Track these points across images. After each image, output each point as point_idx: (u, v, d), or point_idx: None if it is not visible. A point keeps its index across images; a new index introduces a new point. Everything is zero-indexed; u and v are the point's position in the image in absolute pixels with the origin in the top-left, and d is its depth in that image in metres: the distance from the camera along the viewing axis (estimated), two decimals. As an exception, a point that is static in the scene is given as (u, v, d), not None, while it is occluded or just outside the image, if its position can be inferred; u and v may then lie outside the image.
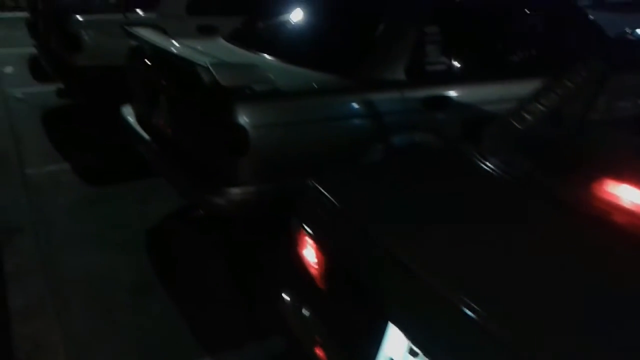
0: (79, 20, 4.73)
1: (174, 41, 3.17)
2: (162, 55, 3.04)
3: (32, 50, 7.76)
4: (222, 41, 3.62)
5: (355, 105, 2.80)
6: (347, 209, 1.74)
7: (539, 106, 1.84)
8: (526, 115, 1.84)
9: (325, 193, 1.80)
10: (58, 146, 4.76)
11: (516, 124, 1.84)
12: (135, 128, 3.42)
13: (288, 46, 3.26)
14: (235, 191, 2.62)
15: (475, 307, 1.21)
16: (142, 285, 2.92)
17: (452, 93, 3.01)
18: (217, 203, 2.66)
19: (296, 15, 3.55)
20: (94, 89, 4.85)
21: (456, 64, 3.12)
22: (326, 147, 2.75)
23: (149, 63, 3.28)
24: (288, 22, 3.56)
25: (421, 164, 2.05)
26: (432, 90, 2.96)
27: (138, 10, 5.00)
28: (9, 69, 7.37)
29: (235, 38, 3.58)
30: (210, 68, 2.44)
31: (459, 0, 3.34)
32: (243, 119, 2.51)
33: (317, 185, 1.83)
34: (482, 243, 1.46)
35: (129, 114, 3.59)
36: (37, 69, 6.59)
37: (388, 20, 2.98)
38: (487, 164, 1.80)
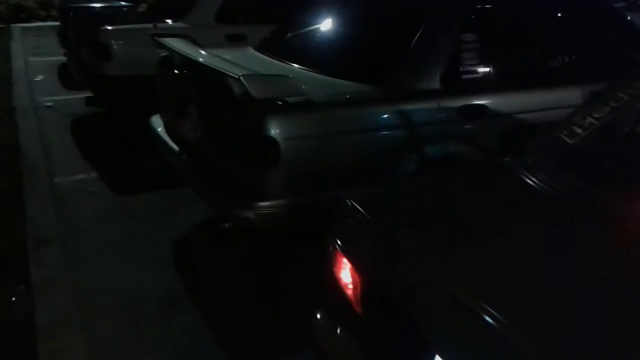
0: (108, 30, 4.75)
1: (203, 51, 3.12)
2: (191, 65, 2.99)
3: (63, 58, 7.93)
4: (252, 51, 3.56)
5: (389, 116, 2.71)
6: (383, 227, 1.65)
7: (591, 119, 1.73)
8: (576, 129, 1.73)
9: (361, 209, 1.71)
10: (87, 155, 4.77)
11: (566, 138, 1.72)
12: (163, 138, 3.38)
13: (319, 56, 3.18)
14: (265, 204, 2.55)
15: (526, 340, 1.11)
16: (170, 297, 2.87)
17: (490, 102, 2.89)
18: (247, 216, 2.60)
19: (327, 24, 3.47)
20: (123, 98, 4.86)
21: (493, 71, 3.00)
22: (359, 160, 2.66)
23: (178, 73, 3.24)
24: (319, 31, 3.48)
25: (462, 178, 1.94)
26: (468, 100, 2.85)
27: (167, 20, 4.99)
28: (39, 77, 7.47)
29: (266, 48, 3.52)
30: (242, 79, 2.38)
31: (495, 5, 3.22)
32: (274, 132, 2.44)
33: (351, 201, 1.75)
34: (531, 268, 1.36)
35: (158, 124, 3.56)
36: (67, 78, 6.67)
37: (422, 28, 2.88)
38: (535, 179, 1.70)
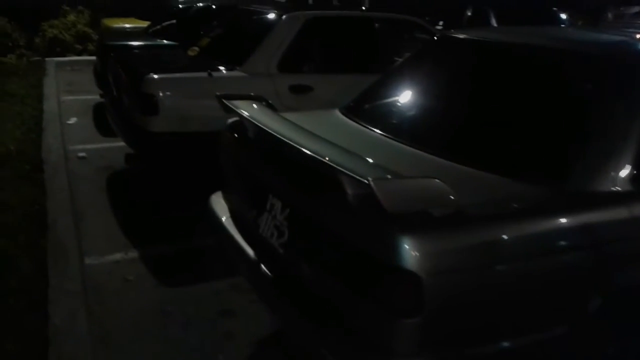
0: (155, 79, 4.03)
1: (287, 122, 2.36)
2: (276, 144, 2.20)
3: (98, 98, 7.31)
4: (342, 119, 2.76)
5: (568, 232, 1.88)
6: None
7: None
8: None
9: None
10: (125, 226, 4.01)
11: None
12: (229, 232, 2.59)
13: (455, 137, 2.30)
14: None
15: None
16: None
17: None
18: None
19: (467, 96, 2.52)
20: (170, 158, 4.13)
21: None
22: (534, 300, 1.82)
23: (255, 151, 2.47)
24: (452, 98, 2.58)
25: None
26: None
27: (221, 68, 4.27)
28: (72, 120, 6.83)
29: (362, 115, 2.72)
30: (372, 184, 1.60)
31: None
32: (416, 265, 1.63)
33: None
34: None
35: (221, 208, 2.78)
36: (103, 122, 5.96)
37: (606, 112, 2.07)
38: None
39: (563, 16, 9.78)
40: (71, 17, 12.46)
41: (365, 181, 1.62)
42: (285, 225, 2.20)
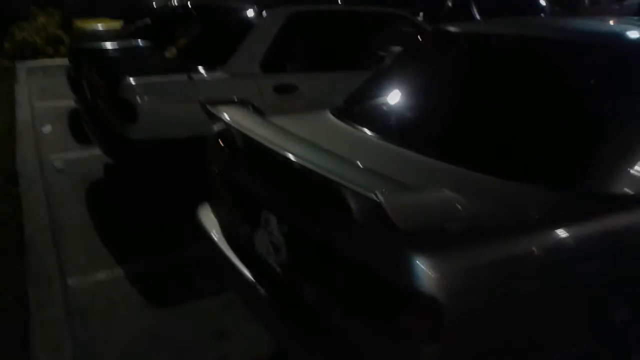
0: (132, 85, 3.81)
1: (277, 129, 2.19)
2: (267, 154, 2.02)
3: (72, 104, 7.03)
4: (335, 121, 2.59)
5: (595, 239, 1.75)
6: None
7: None
8: None
9: None
10: (108, 241, 3.81)
11: None
12: (221, 248, 2.42)
13: (460, 137, 2.13)
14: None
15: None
16: None
17: None
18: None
19: (471, 95, 2.33)
20: (151, 167, 3.92)
21: None
22: (562, 318, 1.69)
23: (245, 162, 2.30)
24: (456, 94, 2.37)
25: None
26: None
27: (202, 70, 4.07)
28: (47, 129, 6.55)
29: (355, 116, 2.54)
30: (380, 199, 1.44)
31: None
32: (435, 288, 1.48)
33: None
34: None
35: (210, 223, 2.60)
36: (79, 129, 5.70)
37: (624, 109, 1.94)
38: None
39: (542, 3, 9.66)
40: (41, 19, 12.05)
41: (373, 196, 1.46)
42: (283, 243, 2.03)
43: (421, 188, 1.64)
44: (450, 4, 9.16)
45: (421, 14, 9.47)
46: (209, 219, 2.63)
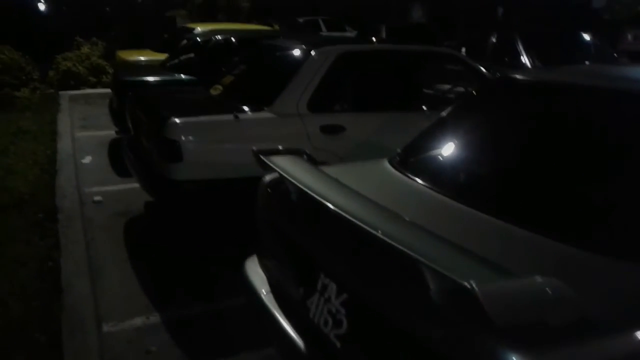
0: (178, 124, 3.73)
1: (336, 186, 2.02)
2: (328, 215, 1.85)
3: (113, 134, 7.06)
4: (396, 175, 2.37)
5: None
6: None
7: None
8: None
9: None
10: (146, 283, 3.68)
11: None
12: (270, 310, 2.24)
13: (559, 209, 1.84)
14: None
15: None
16: None
17: None
18: None
19: (556, 153, 2.06)
20: (195, 208, 3.81)
21: None
22: None
23: (301, 218, 2.14)
24: (545, 162, 2.06)
25: None
26: None
27: (247, 109, 3.97)
28: (87, 160, 6.56)
29: (426, 174, 2.25)
30: (477, 291, 1.24)
31: None
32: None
33: None
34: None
35: (259, 279, 2.43)
36: (118, 160, 5.66)
37: None
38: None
39: (587, 37, 9.39)
40: (85, 49, 12.35)
41: (467, 285, 1.27)
42: (343, 314, 1.85)
43: (522, 274, 1.42)
44: (494, 40, 8.99)
45: (463, 49, 9.32)
46: (257, 275, 2.46)
